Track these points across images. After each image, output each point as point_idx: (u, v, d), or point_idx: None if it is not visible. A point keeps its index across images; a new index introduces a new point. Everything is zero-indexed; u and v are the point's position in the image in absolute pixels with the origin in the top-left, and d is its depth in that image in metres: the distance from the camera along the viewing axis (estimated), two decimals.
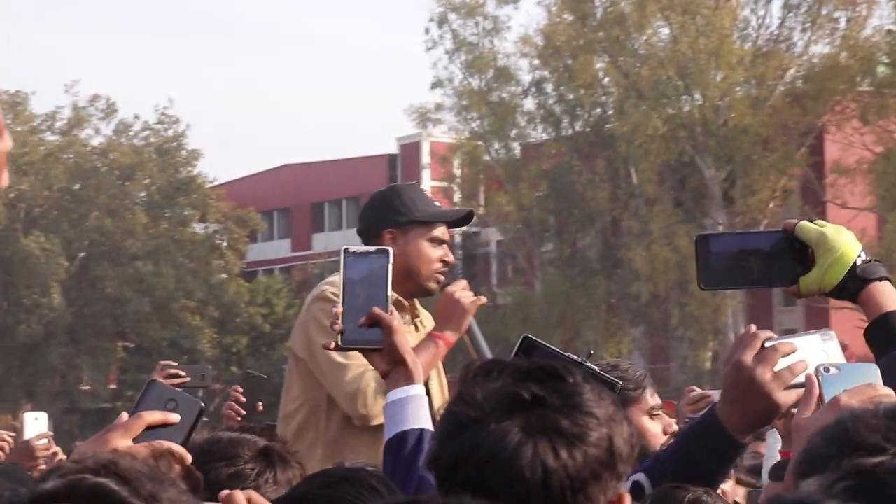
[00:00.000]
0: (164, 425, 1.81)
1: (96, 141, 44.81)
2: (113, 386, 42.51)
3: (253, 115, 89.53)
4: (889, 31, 33.71)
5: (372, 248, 2.66)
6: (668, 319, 37.05)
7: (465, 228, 48.11)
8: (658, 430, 3.74)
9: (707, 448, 2.27)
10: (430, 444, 1.74)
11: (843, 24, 35.23)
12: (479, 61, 39.51)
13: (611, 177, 38.09)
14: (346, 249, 2.63)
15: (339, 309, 2.58)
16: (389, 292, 2.58)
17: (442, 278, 4.22)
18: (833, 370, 1.98)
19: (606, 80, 38.02)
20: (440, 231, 4.22)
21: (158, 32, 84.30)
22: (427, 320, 4.29)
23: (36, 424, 4.71)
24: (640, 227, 36.01)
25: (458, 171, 42.27)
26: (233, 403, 4.82)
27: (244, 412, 4.79)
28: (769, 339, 2.20)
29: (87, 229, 43.14)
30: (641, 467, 2.77)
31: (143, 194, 44.61)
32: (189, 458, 1.80)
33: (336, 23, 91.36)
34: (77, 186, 43.69)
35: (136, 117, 44.96)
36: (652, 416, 3.74)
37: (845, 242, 2.34)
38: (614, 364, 3.80)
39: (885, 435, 1.05)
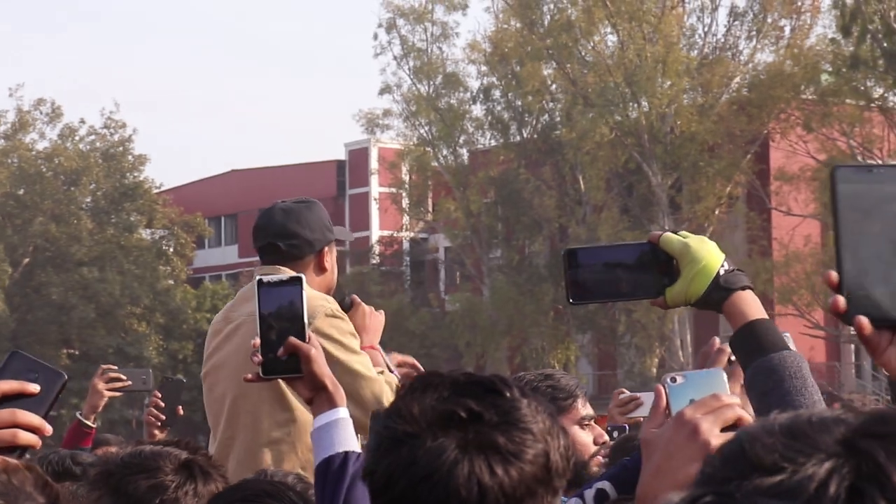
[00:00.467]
0: (23, 396, 1.78)
1: (41, 145, 44.42)
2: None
3: (200, 120, 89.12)
4: (832, 40, 34.08)
5: (285, 277, 2.68)
6: (615, 326, 37.24)
7: (412, 234, 48.17)
8: (589, 440, 3.76)
9: None
10: (365, 455, 1.73)
11: (787, 32, 35.63)
12: (428, 67, 39.56)
13: (558, 183, 38.24)
14: (259, 280, 2.65)
15: (257, 341, 2.61)
16: (306, 319, 2.62)
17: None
18: (679, 379, 1.97)
19: (554, 86, 38.18)
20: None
21: (104, 35, 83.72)
22: None
23: None
24: (587, 233, 36.16)
25: (406, 177, 42.28)
26: (153, 409, 4.80)
27: (164, 417, 4.77)
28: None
29: (31, 235, 42.72)
30: (606, 475, 2.76)
31: (88, 199, 44.23)
32: (49, 429, 1.77)
33: (285, 27, 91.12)
34: (21, 191, 43.26)
35: (82, 122, 44.69)
36: (583, 425, 3.75)
37: (708, 253, 2.34)
38: (547, 374, 3.79)
39: (782, 453, 1.05)
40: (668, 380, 1.96)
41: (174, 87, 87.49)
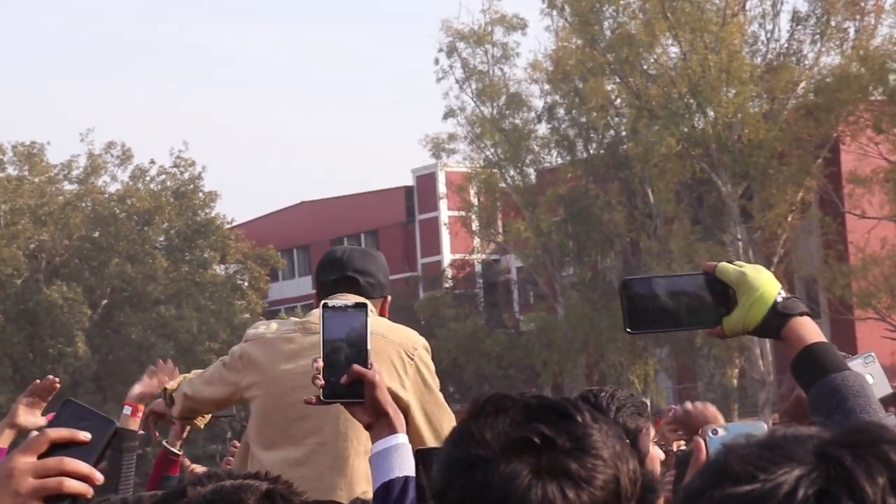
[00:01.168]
0: (73, 444, 1.79)
1: (113, 188, 45.06)
2: (142, 431, 42.58)
3: (268, 154, 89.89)
4: None
5: (350, 303, 2.71)
6: (693, 338, 36.94)
7: (484, 256, 48.16)
8: (661, 456, 3.82)
9: None
10: (435, 476, 1.75)
11: (852, 34, 35.23)
12: (490, 89, 39.61)
13: (627, 198, 38.08)
14: (324, 304, 2.69)
15: (320, 364, 2.64)
16: (369, 346, 2.65)
17: None
18: (721, 431, 1.97)
19: (618, 101, 38.06)
20: None
21: (170, 76, 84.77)
22: None
23: None
24: (658, 246, 35.95)
25: (474, 200, 42.31)
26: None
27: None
28: None
29: (108, 276, 43.30)
30: None
31: (162, 238, 44.76)
32: (100, 477, 1.79)
33: (346, 57, 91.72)
34: (96, 234, 43.88)
35: (152, 162, 45.21)
36: (656, 443, 3.82)
37: (765, 281, 2.38)
38: (611, 392, 3.79)
39: (755, 464, 1.08)
40: (710, 432, 1.95)
41: (240, 121, 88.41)
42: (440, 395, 4.13)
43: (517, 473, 1.64)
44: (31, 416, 4.41)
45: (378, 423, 2.62)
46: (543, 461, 1.65)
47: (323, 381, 2.63)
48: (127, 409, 4.72)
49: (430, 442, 4.00)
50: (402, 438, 2.61)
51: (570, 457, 1.67)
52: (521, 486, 1.64)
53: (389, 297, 4.33)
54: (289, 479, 2.59)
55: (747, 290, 2.36)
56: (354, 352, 2.64)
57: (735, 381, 35.54)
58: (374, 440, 2.63)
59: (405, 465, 2.57)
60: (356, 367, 2.62)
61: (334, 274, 4.26)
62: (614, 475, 1.68)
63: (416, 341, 4.15)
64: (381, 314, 4.24)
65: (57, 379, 4.53)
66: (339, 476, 3.99)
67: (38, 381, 4.47)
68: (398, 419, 2.63)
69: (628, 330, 2.44)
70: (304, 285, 52.87)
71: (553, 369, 38.66)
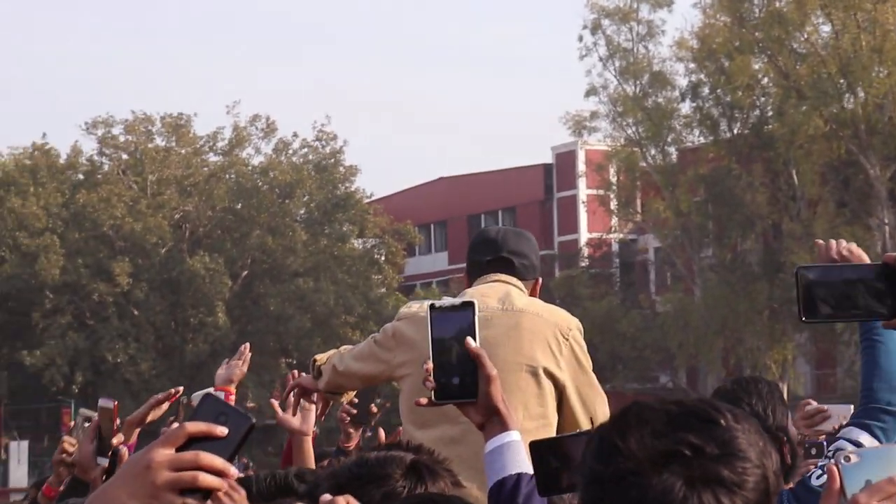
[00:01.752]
0: (210, 438, 1.79)
1: (257, 160, 45.73)
2: (277, 402, 43.25)
3: (408, 129, 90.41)
4: None
5: (457, 302, 2.67)
6: (833, 324, 36.15)
7: (621, 236, 47.84)
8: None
9: None
10: (582, 490, 1.73)
11: None
12: (634, 67, 39.18)
13: (771, 179, 37.38)
14: (432, 305, 2.67)
15: (430, 365, 2.62)
16: (473, 345, 2.61)
17: None
18: (854, 458, 1.85)
19: (765, 80, 37.34)
20: None
21: (315, 51, 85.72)
22: None
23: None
24: (802, 229, 35.23)
25: (614, 179, 41.96)
26: (346, 406, 5.00)
27: (355, 412, 4.99)
28: None
29: (249, 248, 44.00)
30: None
31: (302, 211, 45.32)
32: (234, 471, 1.78)
33: (488, 33, 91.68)
34: (239, 206, 44.61)
35: (295, 135, 45.75)
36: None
37: None
38: (755, 378, 3.76)
39: None
40: (843, 459, 1.85)
41: (381, 96, 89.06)
42: (593, 376, 4.15)
43: (671, 486, 1.65)
44: (156, 411, 4.45)
45: (490, 422, 2.59)
46: (695, 471, 1.66)
47: (434, 383, 2.61)
48: (220, 394, 4.70)
49: (584, 423, 4.03)
50: (514, 436, 2.58)
51: (720, 463, 1.67)
52: (677, 498, 1.64)
53: (541, 279, 4.34)
54: (446, 457, 2.56)
55: None
56: (464, 350, 2.60)
57: None
58: (486, 438, 2.60)
59: (519, 462, 2.56)
60: (475, 348, 2.58)
61: (489, 254, 4.26)
62: (763, 475, 1.69)
63: (570, 321, 4.18)
64: (532, 295, 4.25)
65: (180, 390, 4.56)
66: None
67: (158, 395, 4.48)
68: (510, 416, 2.60)
69: (803, 318, 2.38)
70: (440, 261, 53.09)
71: (689, 352, 38.20)
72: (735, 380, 4.11)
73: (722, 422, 1.69)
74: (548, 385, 4.06)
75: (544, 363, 4.07)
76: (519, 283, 4.18)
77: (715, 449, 1.67)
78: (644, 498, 1.65)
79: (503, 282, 4.19)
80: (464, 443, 3.90)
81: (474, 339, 2.61)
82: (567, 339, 4.11)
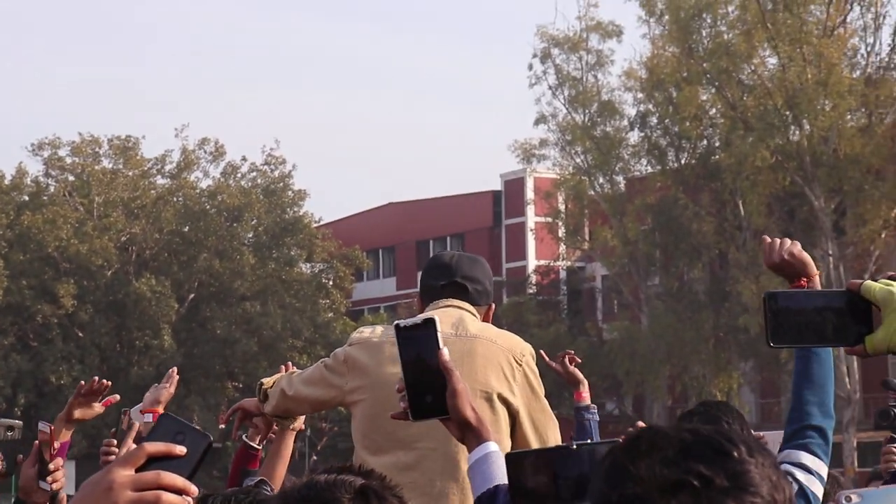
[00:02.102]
0: (169, 457, 1.81)
1: (205, 183, 45.54)
2: (222, 426, 42.94)
3: (357, 154, 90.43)
4: None
5: (419, 320, 2.71)
6: (778, 353, 36.44)
7: (569, 263, 47.99)
8: None
9: None
10: None
11: None
12: (583, 96, 39.43)
13: (717, 209, 37.69)
14: (397, 325, 2.71)
15: (402, 384, 2.67)
16: (444, 358, 2.65)
17: None
18: (855, 499, 1.89)
19: (712, 111, 37.70)
20: None
21: (264, 74, 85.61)
22: None
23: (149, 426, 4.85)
24: (747, 259, 35.53)
25: (562, 207, 42.15)
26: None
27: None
28: None
29: (196, 271, 43.77)
30: None
31: (250, 235, 45.15)
32: (195, 490, 1.80)
33: (439, 59, 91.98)
34: (186, 228, 44.38)
35: (244, 159, 45.61)
36: None
37: None
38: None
39: None
40: (843, 499, 1.89)
41: (330, 121, 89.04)
42: (545, 402, 4.16)
43: None
44: (87, 410, 4.47)
45: (466, 436, 2.62)
46: (703, 502, 1.64)
47: (407, 403, 2.65)
48: (148, 417, 4.70)
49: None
50: (490, 447, 2.60)
51: (728, 496, 1.64)
52: None
53: (493, 305, 4.35)
54: (399, 483, 2.58)
55: (895, 308, 2.33)
56: (433, 367, 2.64)
57: None
58: (469, 451, 2.64)
59: (493, 474, 2.57)
60: (443, 358, 2.61)
61: (443, 279, 4.25)
62: None
63: (523, 347, 4.17)
64: (486, 320, 4.24)
65: (107, 382, 4.58)
66: (451, 480, 3.97)
67: (83, 382, 4.52)
68: (483, 427, 2.62)
69: (771, 343, 2.42)
70: (388, 286, 53.05)
71: (635, 379, 38.36)
72: (704, 402, 4.16)
73: (735, 454, 1.68)
74: (502, 411, 4.04)
75: (498, 389, 4.05)
76: (472, 308, 4.18)
77: (725, 481, 1.65)
78: None
79: (456, 307, 4.18)
80: (417, 469, 3.93)
81: (439, 355, 2.65)
82: (521, 365, 4.10)
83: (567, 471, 2.47)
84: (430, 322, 2.66)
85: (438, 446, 3.97)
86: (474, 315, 4.20)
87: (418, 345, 2.67)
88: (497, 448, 2.61)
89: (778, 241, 3.40)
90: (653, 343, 37.67)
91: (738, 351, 37.41)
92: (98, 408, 4.50)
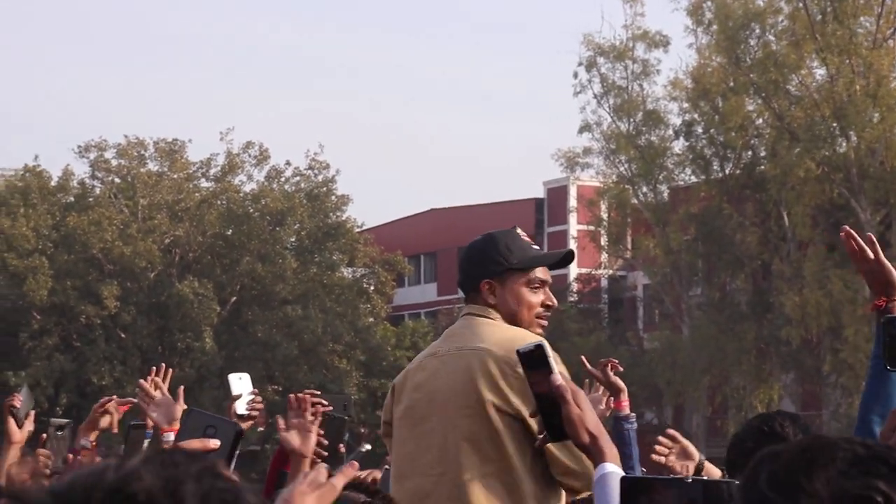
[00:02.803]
0: (206, 452, 1.80)
1: (248, 187, 45.70)
2: (261, 429, 42.98)
3: (400, 159, 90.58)
4: None
5: (532, 346, 2.82)
6: (820, 365, 36.17)
7: (611, 272, 47.86)
8: None
9: None
10: None
11: None
12: (628, 105, 39.30)
13: (762, 220, 37.45)
14: (517, 352, 2.88)
15: (535, 409, 2.84)
16: (555, 384, 2.74)
17: (544, 322, 4.24)
18: None
19: (759, 121, 37.47)
20: (540, 274, 4.25)
21: (310, 81, 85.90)
22: None
23: (240, 384, 4.90)
24: (791, 270, 35.28)
25: (605, 215, 42.01)
26: (318, 450, 4.88)
27: (325, 454, 4.59)
28: None
29: (238, 274, 43.93)
30: None
31: (293, 239, 45.28)
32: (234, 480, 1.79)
33: (484, 67, 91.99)
34: (230, 232, 44.56)
35: (288, 163, 45.73)
36: None
37: None
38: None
39: None
40: None
41: (375, 127, 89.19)
42: None
43: None
44: (107, 417, 4.56)
45: (589, 456, 2.72)
46: None
47: (542, 429, 2.79)
48: (170, 436, 4.70)
49: (560, 454, 3.85)
50: (606, 468, 2.65)
51: None
52: None
53: (491, 280, 4.13)
54: None
55: None
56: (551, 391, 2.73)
57: None
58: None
59: (606, 497, 2.61)
60: (554, 385, 2.69)
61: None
62: None
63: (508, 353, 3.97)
64: (489, 296, 4.11)
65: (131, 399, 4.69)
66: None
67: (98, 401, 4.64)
68: (599, 449, 2.68)
69: (888, 367, 2.44)
70: (429, 292, 53.04)
71: (675, 389, 38.15)
72: (766, 415, 4.07)
73: None
74: (500, 420, 3.88)
75: (491, 398, 3.91)
76: (475, 307, 4.08)
77: None
78: None
79: (466, 314, 4.14)
80: (433, 496, 3.90)
81: (551, 379, 2.73)
82: (516, 372, 3.81)
83: (679, 501, 2.42)
84: (540, 347, 2.75)
85: (448, 471, 3.93)
86: (479, 315, 4.09)
87: (538, 367, 2.75)
88: (614, 469, 2.64)
89: (862, 238, 3.32)
90: (693, 353, 37.46)
91: (779, 363, 37.14)
92: (116, 415, 4.55)
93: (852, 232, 3.27)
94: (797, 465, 1.62)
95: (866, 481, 1.59)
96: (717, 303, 38.28)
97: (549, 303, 4.27)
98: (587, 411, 2.68)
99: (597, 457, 2.63)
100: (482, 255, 4.18)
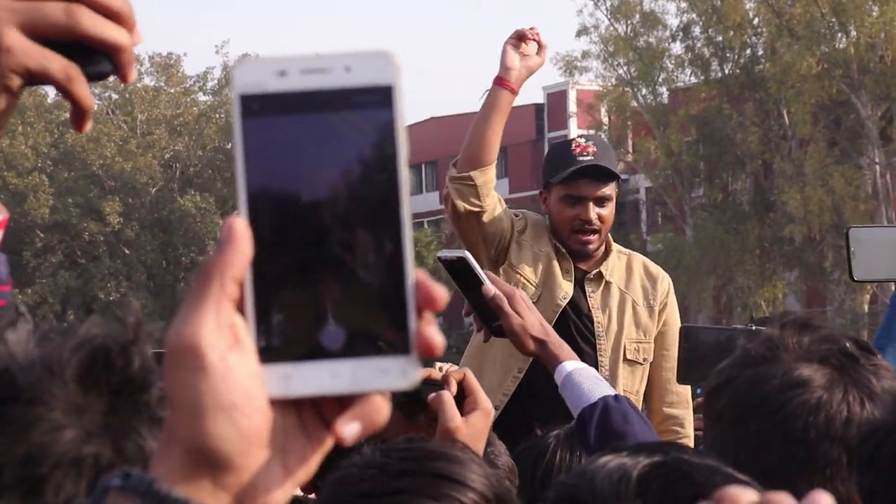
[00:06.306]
0: None
1: None
2: None
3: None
4: None
5: (454, 256, 2.61)
6: (823, 262, 36.29)
7: None
8: None
9: None
10: (722, 368, 1.81)
11: None
12: (625, 6, 38.99)
13: (762, 119, 37.34)
14: (438, 258, 2.67)
15: (468, 307, 2.63)
16: (489, 295, 2.53)
17: (583, 238, 4.29)
18: None
19: (756, 20, 37.19)
20: (575, 190, 4.28)
21: None
22: (617, 271, 4.49)
23: None
24: (793, 169, 35.26)
25: (605, 119, 41.89)
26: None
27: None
28: None
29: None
30: None
31: None
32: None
33: None
34: (229, 145, 44.52)
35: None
36: None
37: None
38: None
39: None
40: None
41: (372, 38, 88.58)
42: None
43: (813, 377, 1.72)
44: None
45: (543, 364, 2.51)
46: (850, 373, 1.74)
47: (479, 325, 2.60)
48: None
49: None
50: (565, 368, 2.43)
51: (869, 373, 1.75)
52: (818, 385, 1.71)
53: (542, 192, 4.42)
54: None
55: None
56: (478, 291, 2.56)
57: (866, 307, 34.88)
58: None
59: (582, 394, 2.41)
60: (488, 297, 2.48)
61: None
62: None
63: None
64: (545, 207, 4.34)
65: None
66: None
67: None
68: (549, 353, 2.47)
69: (854, 278, 2.47)
70: (432, 200, 53.06)
71: (680, 290, 38.31)
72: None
73: (878, 355, 1.81)
74: None
75: None
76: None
77: (868, 363, 1.76)
78: (789, 381, 1.74)
79: None
80: None
81: (484, 290, 2.52)
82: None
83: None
84: (462, 260, 2.55)
85: None
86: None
87: (465, 279, 2.56)
88: (575, 364, 2.42)
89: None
90: (697, 254, 37.58)
91: (783, 261, 37.27)
92: None
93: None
94: (778, 329, 1.80)
95: (833, 343, 1.79)
96: (720, 203, 38.32)
97: (583, 217, 4.27)
98: (528, 316, 2.45)
99: (550, 361, 2.42)
100: (543, 166, 4.45)
